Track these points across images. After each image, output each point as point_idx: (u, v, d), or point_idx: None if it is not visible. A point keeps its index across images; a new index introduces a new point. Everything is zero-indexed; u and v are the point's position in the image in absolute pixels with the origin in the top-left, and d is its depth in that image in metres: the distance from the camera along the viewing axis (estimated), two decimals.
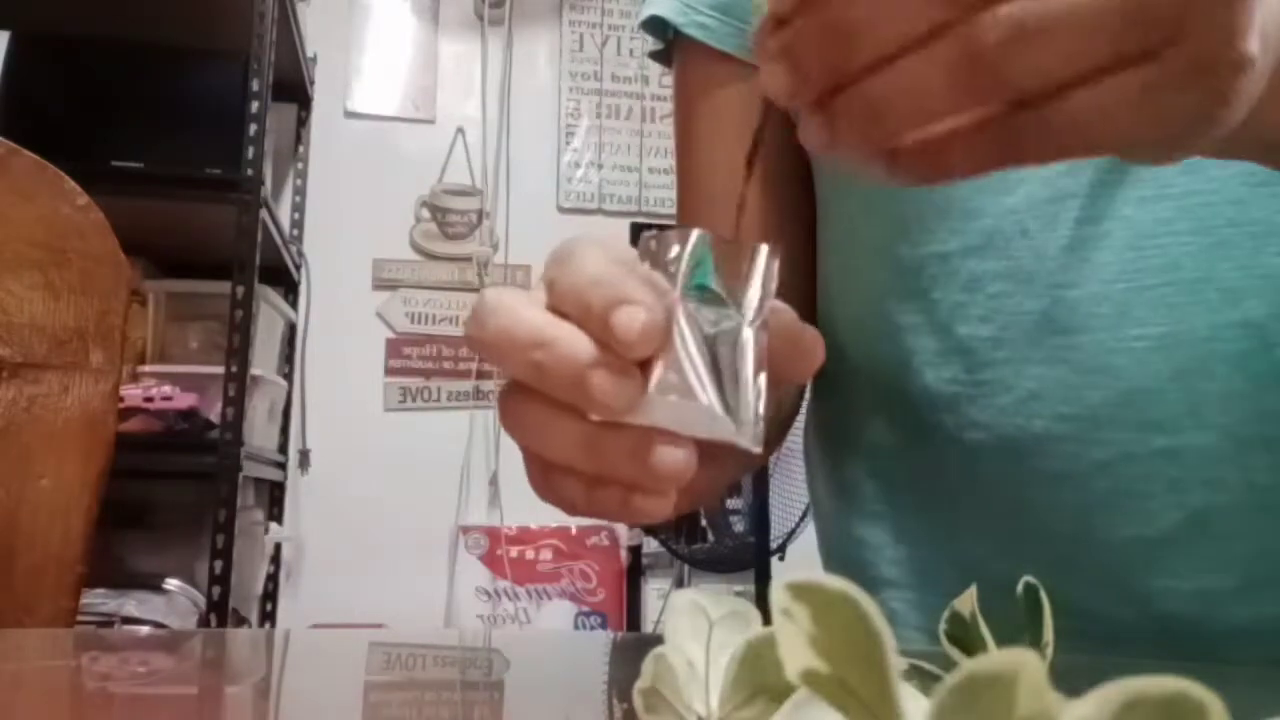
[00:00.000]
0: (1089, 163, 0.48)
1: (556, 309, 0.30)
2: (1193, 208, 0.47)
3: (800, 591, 0.14)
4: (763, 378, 0.29)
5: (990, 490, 0.53)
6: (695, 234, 0.30)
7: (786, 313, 0.33)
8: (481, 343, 0.31)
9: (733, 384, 0.29)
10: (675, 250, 0.30)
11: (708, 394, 0.29)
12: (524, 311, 0.30)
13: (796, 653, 0.15)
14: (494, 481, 2.61)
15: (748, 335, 0.30)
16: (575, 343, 0.29)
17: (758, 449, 0.29)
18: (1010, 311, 0.51)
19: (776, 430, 0.62)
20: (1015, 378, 0.51)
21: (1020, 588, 0.32)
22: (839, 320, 0.62)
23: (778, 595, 0.15)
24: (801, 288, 0.66)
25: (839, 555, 0.64)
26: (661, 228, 0.31)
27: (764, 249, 0.31)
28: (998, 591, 0.32)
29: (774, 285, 0.31)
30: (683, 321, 0.29)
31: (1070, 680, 0.16)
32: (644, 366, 0.29)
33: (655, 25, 0.68)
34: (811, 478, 0.69)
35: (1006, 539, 0.53)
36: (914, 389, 0.55)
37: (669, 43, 0.69)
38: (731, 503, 2.38)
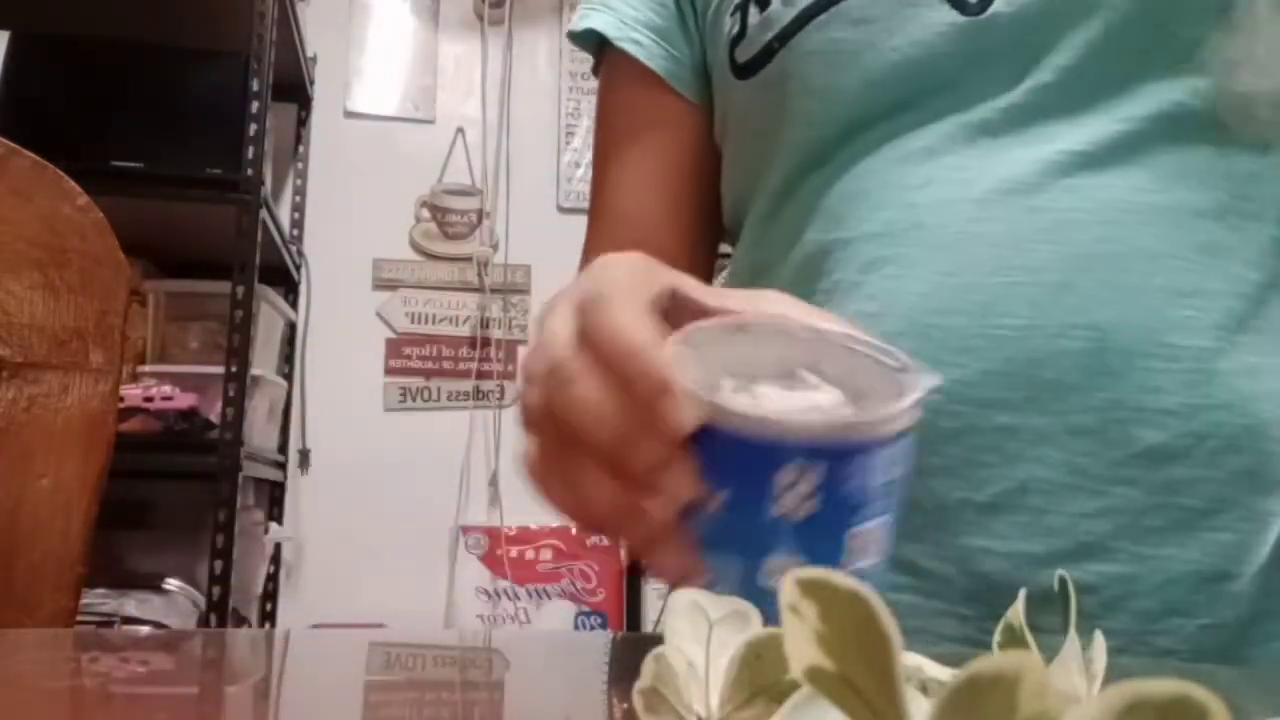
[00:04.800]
0: (985, 175, 0.55)
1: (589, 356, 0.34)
2: (1066, 224, 0.54)
3: (809, 588, 0.14)
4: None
5: None
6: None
7: None
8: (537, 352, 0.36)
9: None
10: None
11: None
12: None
13: (803, 649, 0.15)
14: (494, 481, 2.61)
15: None
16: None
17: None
18: (894, 292, 0.57)
19: None
20: None
21: (1055, 582, 0.32)
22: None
23: (786, 591, 0.15)
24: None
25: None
26: None
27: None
28: None
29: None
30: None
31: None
32: None
33: (587, 38, 0.71)
34: None
35: None
36: None
37: (598, 59, 0.72)
38: None
